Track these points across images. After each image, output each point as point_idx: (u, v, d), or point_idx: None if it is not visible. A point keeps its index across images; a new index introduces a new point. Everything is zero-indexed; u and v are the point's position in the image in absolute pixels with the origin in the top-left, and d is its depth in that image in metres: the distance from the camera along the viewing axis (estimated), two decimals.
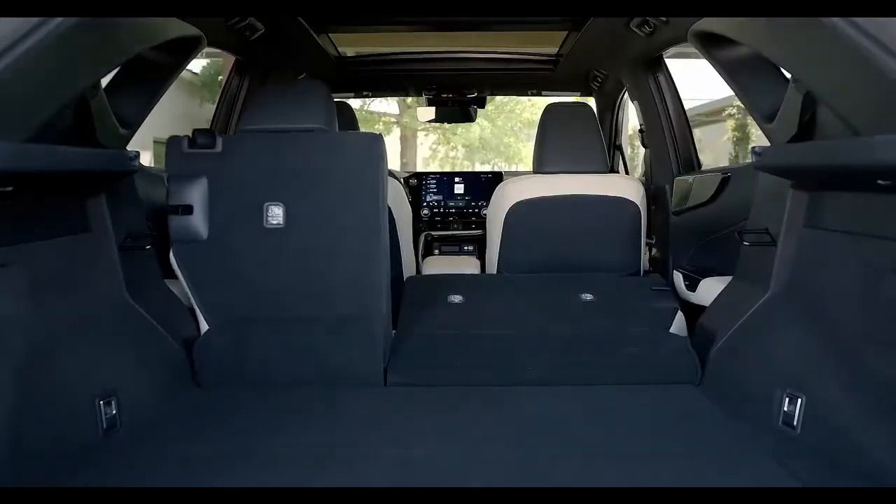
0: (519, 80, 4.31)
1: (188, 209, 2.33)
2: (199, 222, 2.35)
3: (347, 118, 3.49)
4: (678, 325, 2.62)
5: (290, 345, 2.33)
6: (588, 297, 2.74)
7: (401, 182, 3.31)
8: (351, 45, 3.85)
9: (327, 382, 2.25)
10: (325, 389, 2.22)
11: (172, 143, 2.38)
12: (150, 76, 2.30)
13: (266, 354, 2.32)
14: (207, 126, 3.34)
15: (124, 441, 1.84)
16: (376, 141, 2.37)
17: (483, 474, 1.64)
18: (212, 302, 2.38)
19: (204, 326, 2.38)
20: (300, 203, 2.34)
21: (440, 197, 4.53)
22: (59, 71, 1.63)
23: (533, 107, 17.07)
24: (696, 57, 2.49)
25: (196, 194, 2.35)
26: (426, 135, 18.85)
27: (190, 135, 2.38)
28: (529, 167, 3.22)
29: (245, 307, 2.37)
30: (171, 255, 2.37)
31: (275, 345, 2.33)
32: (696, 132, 3.55)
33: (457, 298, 2.76)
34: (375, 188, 2.33)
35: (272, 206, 2.34)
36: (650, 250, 3.44)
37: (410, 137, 17.89)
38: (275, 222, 2.33)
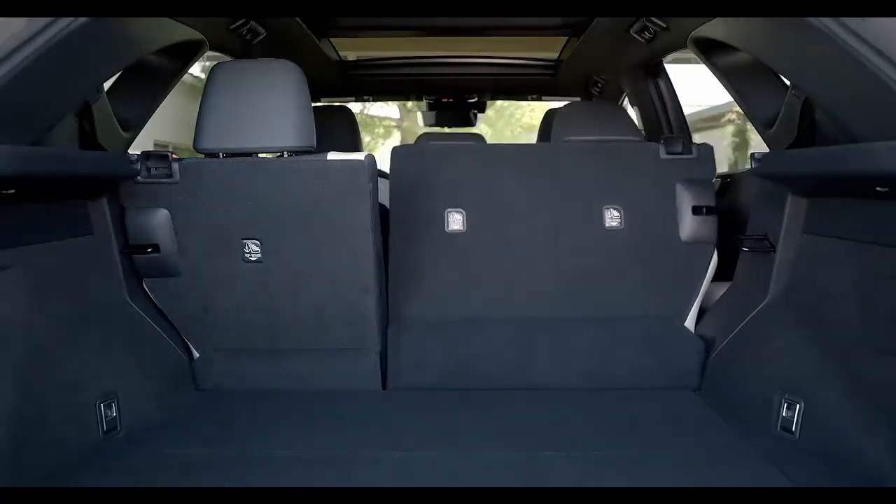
0: (519, 84, 4.32)
1: (154, 248, 2.14)
2: (168, 259, 2.16)
3: (348, 122, 3.50)
4: (706, 284, 2.45)
5: (286, 374, 2.28)
6: (614, 220, 2.43)
7: None
8: (352, 49, 3.86)
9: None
10: (324, 393, 2.22)
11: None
12: (152, 80, 2.31)
13: (260, 387, 2.27)
14: None
15: (124, 443, 1.85)
16: (364, 166, 2.09)
17: (483, 477, 1.64)
18: (195, 335, 2.29)
19: (194, 353, 2.33)
20: (279, 238, 2.14)
21: None
22: (64, 74, 1.63)
23: (533, 111, 17.07)
24: (696, 62, 2.50)
25: (159, 231, 2.14)
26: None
27: (142, 155, 2.13)
28: None
29: (234, 340, 2.28)
30: (146, 288, 2.23)
31: (268, 378, 2.28)
32: (696, 137, 3.56)
33: (457, 222, 2.47)
34: (366, 220, 2.11)
35: (249, 243, 2.14)
36: None
37: (411, 142, 17.88)
38: (254, 259, 2.15)
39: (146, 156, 2.12)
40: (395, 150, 2.57)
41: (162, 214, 2.14)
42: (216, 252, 2.17)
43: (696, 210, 2.41)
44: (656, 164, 2.46)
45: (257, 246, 2.15)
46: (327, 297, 2.20)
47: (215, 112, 2.10)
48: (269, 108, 2.09)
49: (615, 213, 2.43)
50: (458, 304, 2.47)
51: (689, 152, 2.46)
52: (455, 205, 2.46)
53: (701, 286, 2.43)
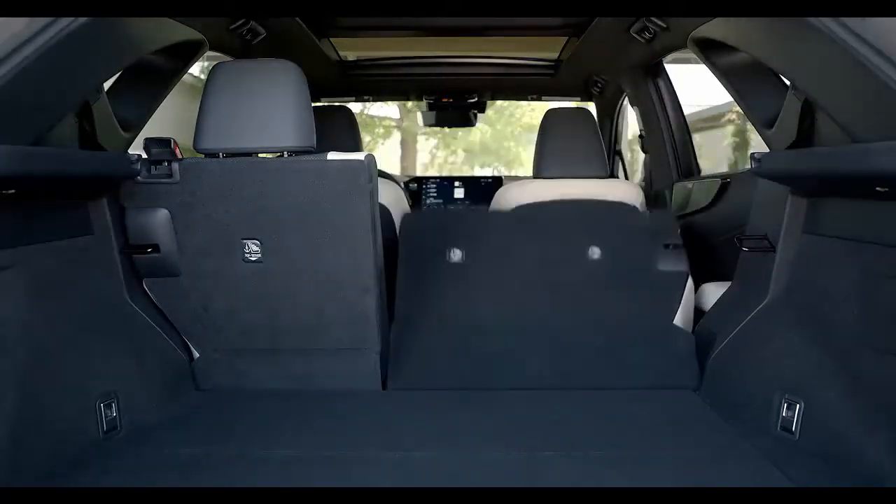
0: (520, 85, 4.32)
1: (154, 248, 2.14)
2: (168, 259, 2.17)
3: (348, 122, 3.50)
4: (687, 298, 2.58)
5: (284, 377, 2.28)
6: (596, 253, 2.66)
7: (401, 186, 3.32)
8: (352, 49, 3.87)
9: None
10: (325, 393, 2.22)
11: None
12: (152, 80, 2.31)
13: (261, 387, 2.28)
14: None
15: (124, 443, 1.85)
16: (364, 166, 2.09)
17: (483, 477, 1.65)
18: (195, 335, 2.28)
19: (195, 353, 2.32)
20: (279, 238, 2.14)
21: (440, 201, 4.54)
22: (64, 74, 1.64)
23: (533, 111, 17.04)
24: (696, 62, 2.50)
25: (159, 231, 2.14)
26: (426, 139, 18.84)
27: (144, 143, 2.14)
28: (529, 171, 3.23)
29: (234, 340, 2.27)
30: (146, 288, 2.24)
31: (269, 377, 2.28)
32: (696, 137, 3.56)
33: (456, 255, 2.65)
34: (366, 219, 2.12)
35: (248, 243, 2.14)
36: None
37: (410, 142, 17.89)
38: (254, 259, 2.15)
39: (148, 143, 2.11)
40: (405, 217, 2.84)
41: (162, 214, 2.14)
42: (216, 252, 2.16)
43: (666, 245, 2.64)
44: (630, 218, 2.75)
45: (257, 246, 2.15)
46: (327, 297, 2.20)
47: (215, 112, 2.10)
48: (268, 108, 2.09)
49: (596, 249, 2.65)
50: (458, 310, 2.53)
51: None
52: (456, 245, 2.67)
53: (681, 301, 2.57)
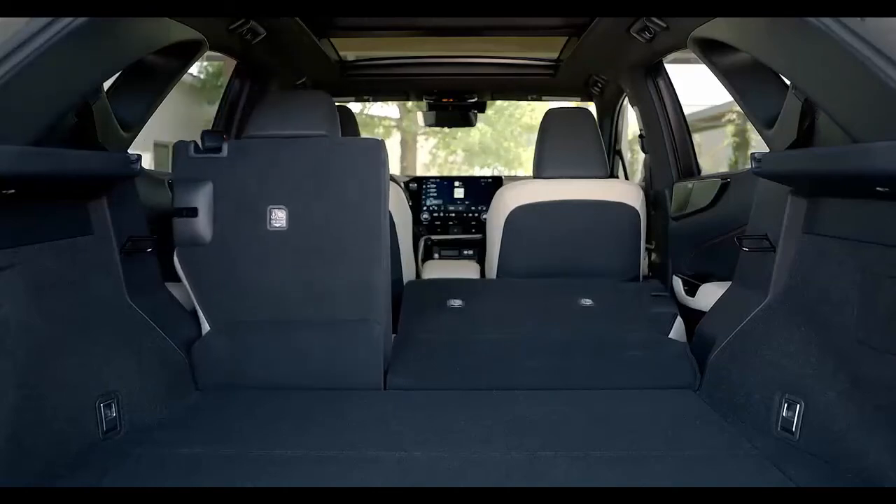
0: (519, 84, 4.32)
1: (193, 212, 2.35)
2: (203, 225, 2.36)
3: (348, 122, 3.51)
4: (677, 330, 2.63)
5: (290, 348, 2.33)
6: (587, 301, 2.75)
7: (401, 186, 3.33)
8: (352, 49, 3.87)
9: (327, 386, 2.26)
10: (324, 392, 2.23)
11: (179, 148, 2.38)
12: (151, 79, 2.32)
13: (266, 357, 2.32)
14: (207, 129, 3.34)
15: (124, 443, 1.85)
16: (378, 146, 2.38)
17: (482, 476, 1.65)
18: (214, 304, 2.38)
19: (206, 328, 2.39)
20: (303, 206, 2.35)
21: (440, 201, 4.54)
22: (64, 74, 1.64)
23: (533, 111, 17.07)
24: (696, 62, 2.50)
25: (201, 198, 2.36)
26: (426, 139, 18.86)
27: (198, 139, 2.39)
28: (529, 171, 3.23)
29: (246, 310, 2.37)
30: (175, 257, 2.37)
31: (275, 348, 2.33)
32: (696, 137, 3.56)
33: (456, 303, 2.77)
34: (377, 193, 2.35)
35: (275, 210, 2.35)
36: (649, 255, 3.46)
37: (410, 142, 17.90)
38: (277, 225, 2.35)
39: (204, 134, 2.41)
40: (408, 283, 3.02)
41: (207, 186, 2.36)
42: (245, 218, 2.36)
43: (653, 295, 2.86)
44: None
45: (283, 212, 2.34)
46: (339, 263, 2.34)
47: (261, 107, 2.54)
48: (306, 105, 2.51)
49: (588, 300, 2.78)
50: (459, 331, 2.62)
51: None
52: (456, 297, 2.84)
53: (673, 327, 2.69)
